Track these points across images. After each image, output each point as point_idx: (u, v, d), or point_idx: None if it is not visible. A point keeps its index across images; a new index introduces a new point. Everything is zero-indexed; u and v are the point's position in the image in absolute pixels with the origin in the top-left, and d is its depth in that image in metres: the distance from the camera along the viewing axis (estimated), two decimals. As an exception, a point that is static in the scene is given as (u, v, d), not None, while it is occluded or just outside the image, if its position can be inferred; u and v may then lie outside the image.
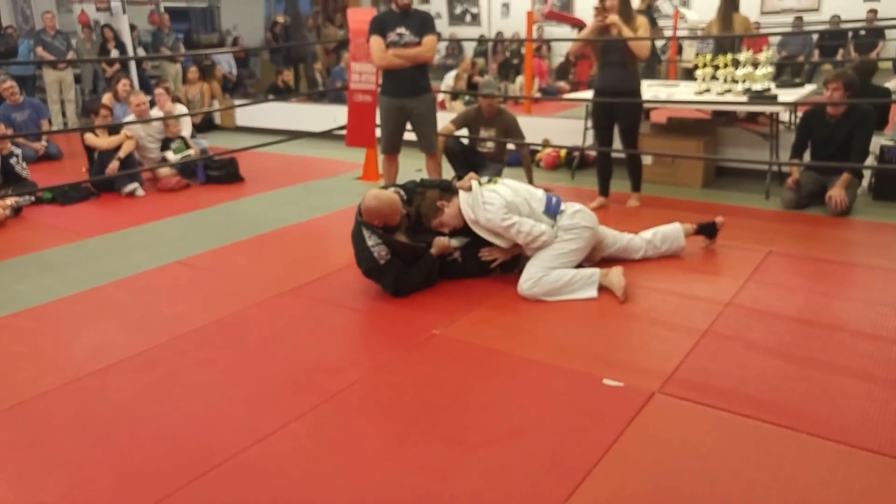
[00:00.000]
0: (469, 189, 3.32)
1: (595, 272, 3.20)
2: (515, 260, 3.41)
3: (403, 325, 2.99)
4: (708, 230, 3.73)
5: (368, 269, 3.28)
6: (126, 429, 2.28)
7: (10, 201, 4.94)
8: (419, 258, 3.29)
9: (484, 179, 3.43)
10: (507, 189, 3.32)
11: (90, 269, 3.88)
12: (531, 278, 3.16)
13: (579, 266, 3.29)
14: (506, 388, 2.45)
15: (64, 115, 8.88)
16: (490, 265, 3.38)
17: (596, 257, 3.50)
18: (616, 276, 3.16)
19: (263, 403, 2.41)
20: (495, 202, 3.20)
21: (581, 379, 2.48)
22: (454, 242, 3.37)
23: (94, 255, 4.13)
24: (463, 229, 3.36)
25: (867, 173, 4.72)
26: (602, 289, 3.17)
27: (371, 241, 3.19)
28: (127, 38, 8.96)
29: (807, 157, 4.66)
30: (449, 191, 3.41)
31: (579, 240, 3.27)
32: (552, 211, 3.31)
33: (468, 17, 10.73)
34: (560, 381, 2.48)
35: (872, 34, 8.99)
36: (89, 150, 5.67)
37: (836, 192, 4.30)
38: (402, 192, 3.42)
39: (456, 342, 2.81)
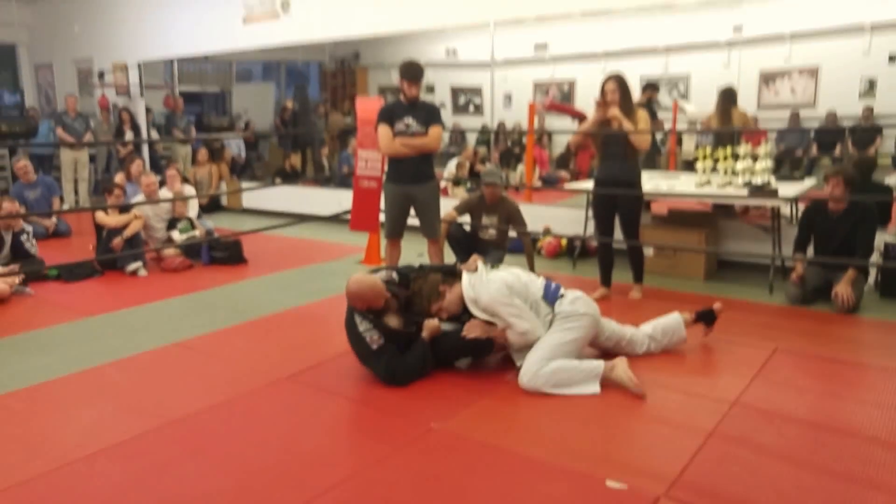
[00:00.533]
0: (475, 270, 3.34)
1: (599, 366, 3.13)
2: (489, 346, 3.30)
3: (400, 417, 2.91)
4: (707, 317, 3.70)
5: (360, 355, 3.24)
6: (108, 524, 2.19)
7: (16, 279, 4.94)
8: (412, 342, 3.24)
9: (487, 266, 3.44)
10: (509, 274, 3.35)
11: (89, 348, 3.84)
12: (530, 370, 3.10)
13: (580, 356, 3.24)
14: (505, 490, 2.35)
15: (76, 192, 9.06)
16: (466, 338, 3.23)
17: (596, 348, 3.45)
18: (623, 370, 3.10)
19: (253, 498, 2.32)
20: (497, 280, 3.23)
21: (583, 480, 2.38)
22: (445, 327, 3.33)
23: (94, 335, 4.09)
24: (458, 315, 3.32)
25: (873, 270, 4.71)
26: (604, 383, 3.10)
27: (363, 326, 3.18)
28: (142, 120, 9.25)
29: (810, 251, 4.66)
30: (451, 275, 3.41)
31: (579, 329, 3.23)
32: (551, 297, 3.30)
33: (471, 108, 11.05)
34: (562, 482, 2.38)
35: (870, 129, 9.20)
36: (98, 228, 5.73)
37: (843, 289, 4.26)
38: (393, 275, 3.41)
39: (454, 437, 2.72)
